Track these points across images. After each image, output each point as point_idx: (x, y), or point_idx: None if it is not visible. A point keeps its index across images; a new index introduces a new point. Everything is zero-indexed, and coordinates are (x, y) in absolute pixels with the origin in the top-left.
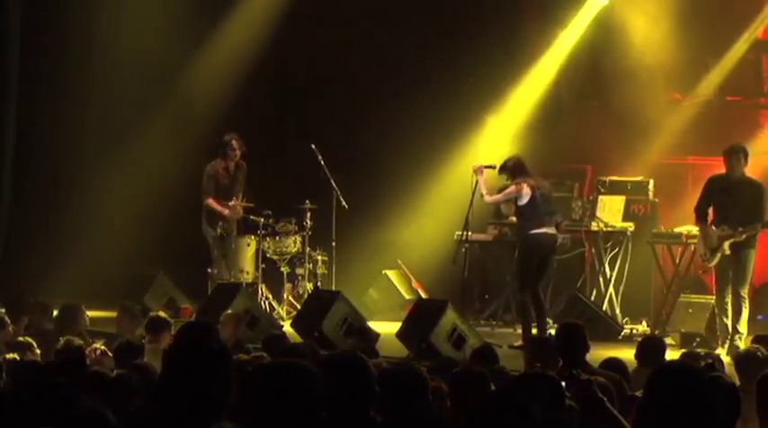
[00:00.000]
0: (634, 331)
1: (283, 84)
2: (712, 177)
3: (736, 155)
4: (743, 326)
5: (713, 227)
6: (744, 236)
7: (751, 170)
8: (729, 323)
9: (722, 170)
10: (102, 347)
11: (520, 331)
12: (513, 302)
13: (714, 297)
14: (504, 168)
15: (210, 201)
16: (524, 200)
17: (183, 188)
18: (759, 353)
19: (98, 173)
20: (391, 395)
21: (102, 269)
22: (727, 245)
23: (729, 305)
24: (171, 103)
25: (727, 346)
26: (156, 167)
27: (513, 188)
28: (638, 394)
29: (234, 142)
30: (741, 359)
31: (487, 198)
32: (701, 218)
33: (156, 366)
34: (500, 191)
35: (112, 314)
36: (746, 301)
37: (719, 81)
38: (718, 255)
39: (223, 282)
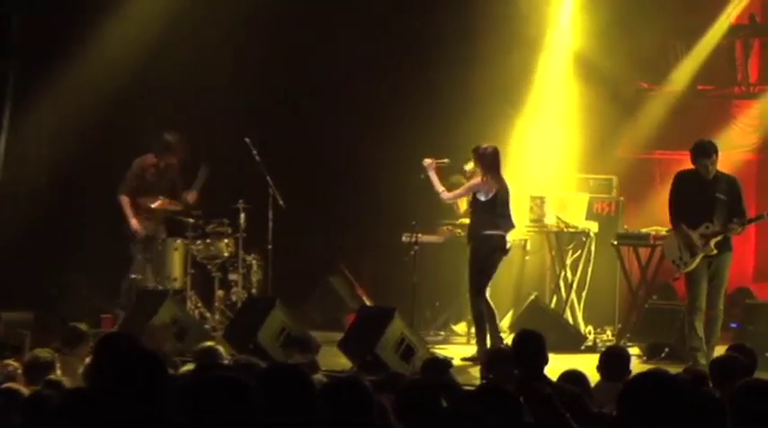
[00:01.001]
0: (598, 340)
1: (213, 71)
2: (682, 175)
3: (709, 157)
4: (715, 341)
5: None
6: (739, 229)
7: (723, 165)
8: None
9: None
10: (15, 363)
11: (474, 342)
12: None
13: (686, 306)
14: (479, 155)
15: (125, 200)
16: (486, 196)
17: (108, 187)
18: (736, 364)
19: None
20: (333, 411)
21: (14, 273)
22: (713, 243)
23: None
24: (87, 93)
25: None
26: (82, 163)
27: (478, 181)
28: (606, 410)
29: (176, 144)
30: (717, 367)
31: (446, 195)
32: (679, 220)
33: (72, 381)
34: (452, 186)
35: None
36: (722, 314)
37: (690, 69)
38: (699, 258)
39: (148, 289)
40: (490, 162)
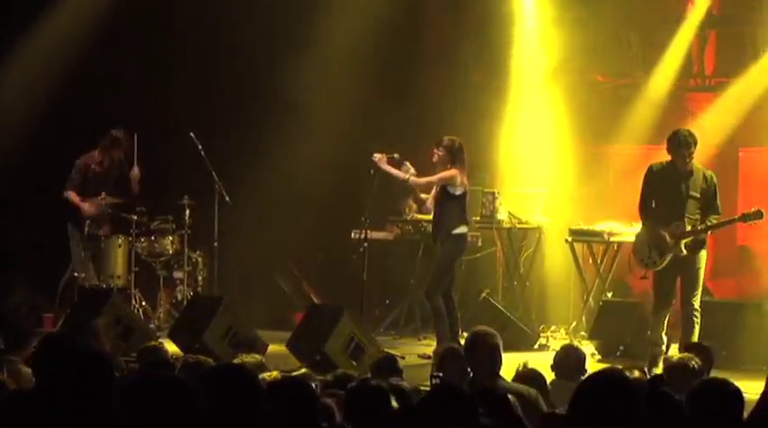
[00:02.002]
0: (551, 339)
1: (159, 63)
2: (655, 168)
3: (688, 148)
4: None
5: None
6: (707, 232)
7: None
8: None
9: (648, 157)
10: None
11: (426, 341)
12: (419, 308)
13: (653, 305)
14: (446, 147)
15: (70, 194)
16: (458, 191)
17: (47, 182)
18: (692, 364)
19: None
20: (279, 411)
21: None
22: (683, 244)
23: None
24: (26, 87)
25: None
26: (22, 159)
27: (454, 173)
28: (558, 411)
29: (122, 139)
30: (672, 369)
31: (415, 180)
32: (649, 216)
33: (15, 382)
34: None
35: None
36: (699, 314)
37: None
38: (668, 258)
39: (91, 288)
40: (461, 155)
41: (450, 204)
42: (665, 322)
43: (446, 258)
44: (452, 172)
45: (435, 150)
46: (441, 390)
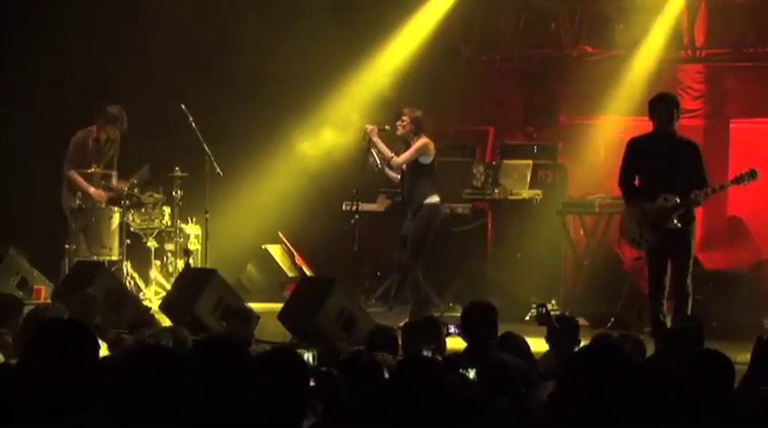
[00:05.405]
0: (543, 311)
1: (148, 37)
2: (635, 140)
3: (667, 107)
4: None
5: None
6: (702, 201)
7: None
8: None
9: (638, 129)
10: None
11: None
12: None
13: (648, 286)
14: (417, 118)
15: (75, 174)
16: (429, 160)
17: (38, 154)
18: (687, 333)
19: None
20: (269, 383)
21: None
22: (675, 216)
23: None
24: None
25: None
26: (10, 132)
27: (424, 140)
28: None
29: (118, 116)
30: (668, 338)
31: (397, 159)
32: (631, 192)
33: (3, 354)
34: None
35: None
36: (691, 287)
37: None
38: (661, 234)
39: (82, 260)
40: (421, 125)
41: (421, 173)
42: (664, 298)
43: (423, 229)
44: (423, 140)
45: (398, 122)
46: (409, 362)
